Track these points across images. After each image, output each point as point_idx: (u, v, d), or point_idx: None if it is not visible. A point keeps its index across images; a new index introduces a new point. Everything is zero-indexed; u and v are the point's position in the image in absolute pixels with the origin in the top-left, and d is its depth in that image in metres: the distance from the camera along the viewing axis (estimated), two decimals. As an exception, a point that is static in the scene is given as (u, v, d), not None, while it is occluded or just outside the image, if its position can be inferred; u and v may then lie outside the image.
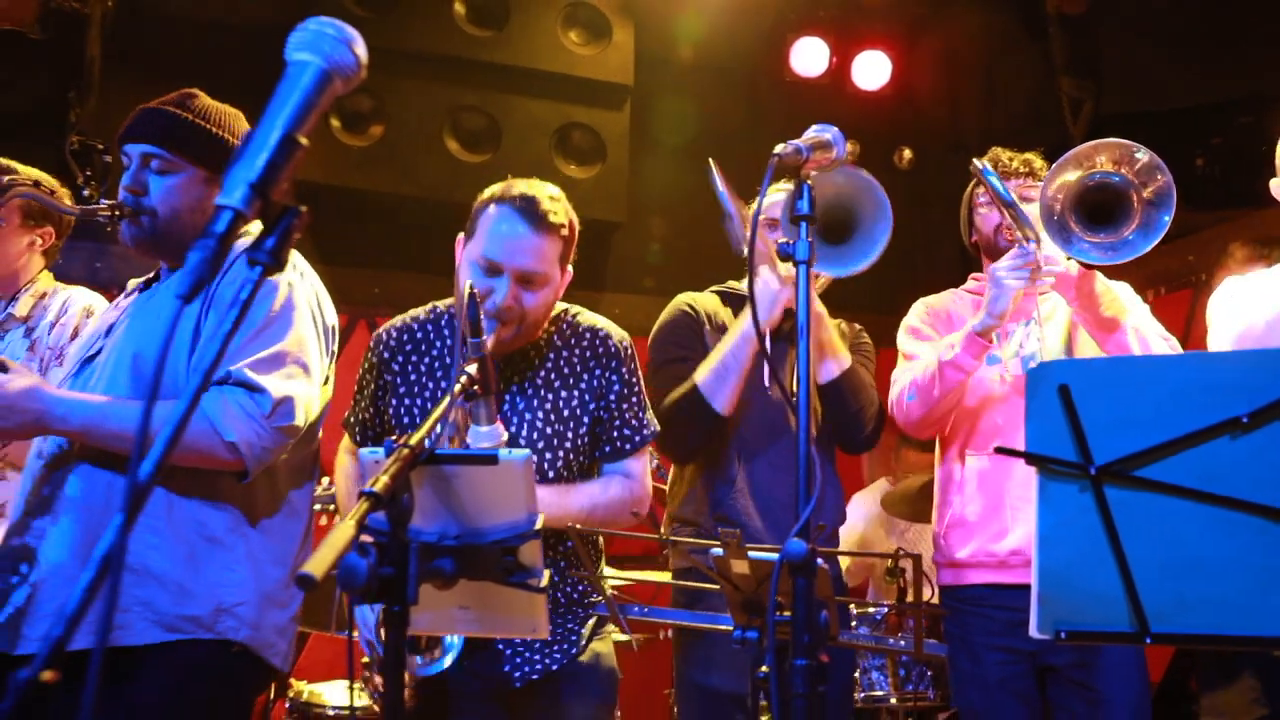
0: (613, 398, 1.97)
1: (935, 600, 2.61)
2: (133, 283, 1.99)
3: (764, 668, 1.30)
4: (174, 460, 1.63)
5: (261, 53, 4.70)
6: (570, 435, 1.94)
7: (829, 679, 1.94)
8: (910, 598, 2.74)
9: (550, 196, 1.89)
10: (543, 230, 1.84)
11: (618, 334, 2.04)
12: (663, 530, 2.49)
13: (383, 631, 1.70)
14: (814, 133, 1.51)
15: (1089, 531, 1.35)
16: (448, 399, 1.50)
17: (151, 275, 1.96)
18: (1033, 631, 1.44)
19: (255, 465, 1.71)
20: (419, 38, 3.89)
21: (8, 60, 3.85)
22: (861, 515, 3.83)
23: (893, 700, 2.97)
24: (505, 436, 1.69)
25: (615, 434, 1.99)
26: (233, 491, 1.76)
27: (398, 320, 2.04)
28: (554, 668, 1.94)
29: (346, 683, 3.28)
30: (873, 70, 4.84)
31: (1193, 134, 4.28)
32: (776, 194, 2.38)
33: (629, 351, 2.02)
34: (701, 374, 2.26)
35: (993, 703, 2.33)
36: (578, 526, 1.68)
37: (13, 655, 1.64)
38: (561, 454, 1.94)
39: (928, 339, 2.47)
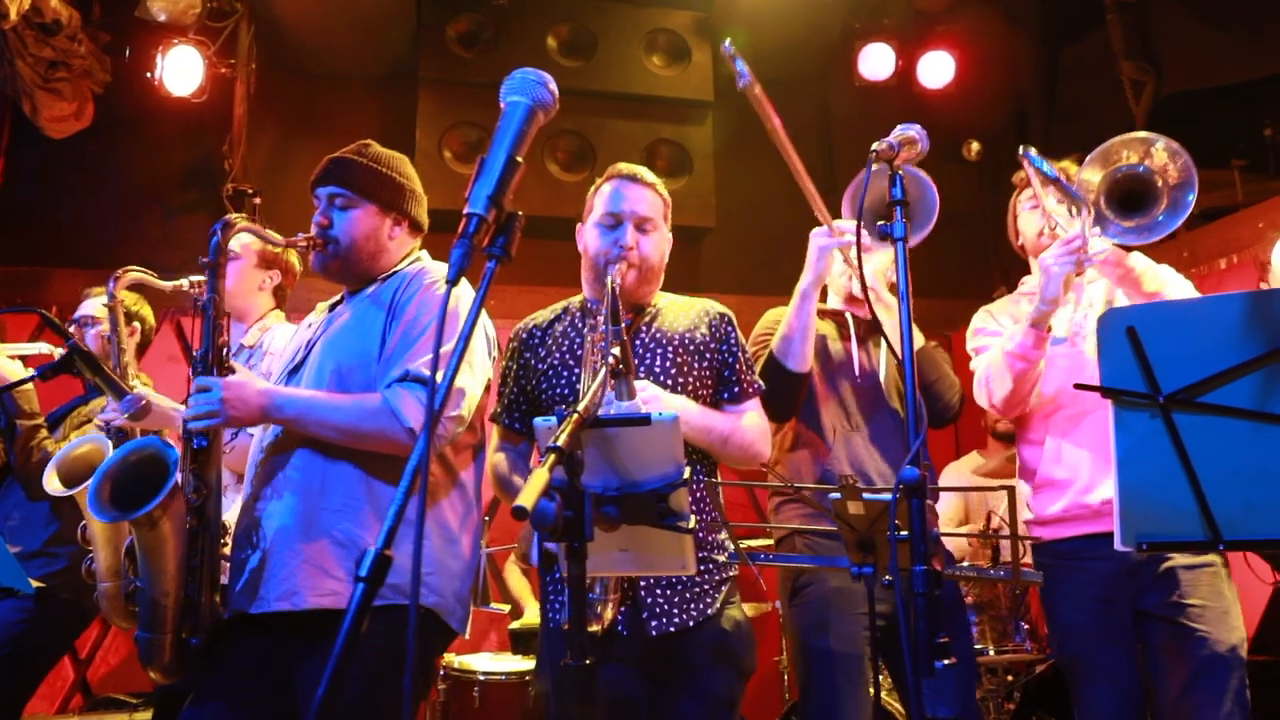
0: (733, 343, 2.25)
1: (1028, 560, 2.75)
2: (321, 305, 2.30)
3: (888, 576, 1.54)
4: (364, 445, 1.96)
5: (384, 101, 5.19)
6: (695, 368, 2.19)
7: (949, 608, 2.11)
8: (1005, 555, 2.91)
9: (646, 170, 2.29)
10: (648, 185, 2.25)
11: (717, 304, 2.33)
12: (769, 510, 2.74)
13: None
14: (901, 130, 1.77)
15: (1161, 453, 1.57)
16: (602, 374, 1.77)
17: (337, 300, 2.27)
18: (1117, 545, 1.64)
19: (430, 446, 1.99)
20: (517, 72, 4.27)
21: (172, 123, 4.40)
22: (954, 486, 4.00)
23: (991, 653, 3.12)
24: (644, 410, 1.96)
25: (740, 376, 2.24)
26: (426, 488, 2.03)
27: (533, 315, 2.32)
28: (689, 624, 2.06)
29: (491, 654, 3.62)
30: (937, 70, 5.07)
31: (1259, 106, 4.38)
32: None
33: (731, 315, 2.32)
34: (774, 342, 2.57)
35: (1093, 650, 2.40)
36: (717, 481, 1.94)
37: (250, 614, 1.94)
38: (689, 384, 2.17)
39: (993, 334, 2.64)
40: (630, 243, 2.16)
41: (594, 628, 1.97)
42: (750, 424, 2.21)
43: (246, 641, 1.97)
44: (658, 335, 2.21)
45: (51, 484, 2.23)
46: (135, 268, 2.52)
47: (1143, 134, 2.28)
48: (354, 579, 1.04)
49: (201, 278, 2.54)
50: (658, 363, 2.16)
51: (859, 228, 1.70)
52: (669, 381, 2.15)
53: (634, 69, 4.66)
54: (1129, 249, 2.41)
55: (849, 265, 2.63)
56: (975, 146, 5.04)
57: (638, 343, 2.19)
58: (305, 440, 2.01)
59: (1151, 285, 2.38)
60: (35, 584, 2.54)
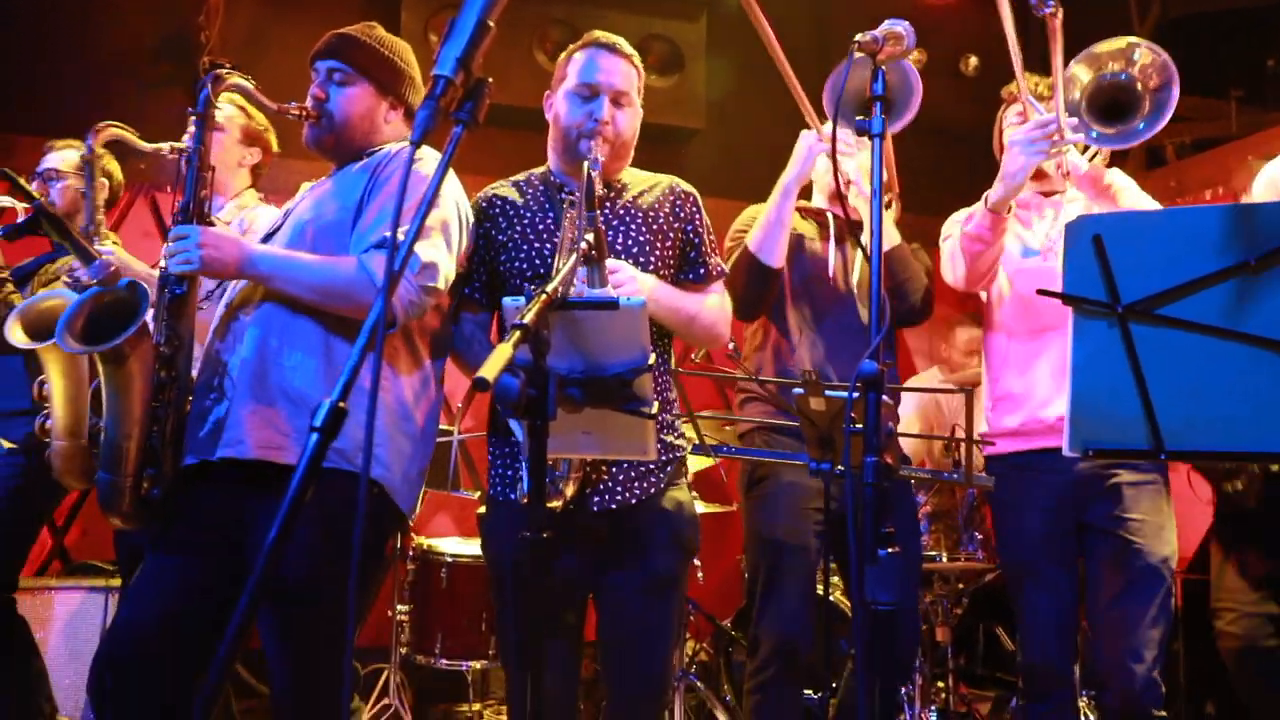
0: (697, 223, 2.23)
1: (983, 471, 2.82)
2: (305, 185, 2.29)
3: (839, 466, 1.58)
4: (337, 308, 1.96)
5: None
6: (659, 245, 2.17)
7: (896, 503, 2.19)
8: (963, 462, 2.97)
9: (623, 41, 2.22)
10: (626, 57, 2.18)
11: (681, 182, 2.28)
12: (735, 407, 2.78)
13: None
14: (888, 25, 1.74)
15: (1116, 362, 1.60)
16: (573, 259, 1.76)
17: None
18: (1065, 449, 1.69)
19: (402, 315, 1.98)
20: (508, -43, 4.14)
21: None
22: (914, 400, 4.07)
23: (944, 560, 3.22)
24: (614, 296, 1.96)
25: (705, 258, 2.23)
26: (382, 348, 2.04)
27: (494, 185, 2.26)
28: (632, 501, 2.06)
29: (460, 538, 3.71)
30: (941, -21, 4.95)
31: (1262, 35, 4.32)
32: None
33: (696, 195, 2.28)
34: (751, 236, 2.60)
35: (1036, 558, 2.50)
36: (679, 369, 1.96)
37: (211, 461, 1.96)
38: (652, 262, 2.15)
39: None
40: (605, 117, 2.10)
41: (554, 503, 1.99)
42: (714, 305, 2.22)
43: (201, 492, 2.01)
44: (622, 213, 2.18)
45: (15, 335, 2.20)
46: (114, 123, 2.43)
47: (1124, 40, 2.26)
48: (309, 429, 1.06)
49: (182, 145, 2.49)
50: (620, 239, 2.14)
51: (834, 119, 1.68)
52: (635, 259, 2.13)
53: (629, -42, 4.53)
54: (1110, 163, 2.42)
55: (830, 161, 2.62)
56: (973, 61, 4.96)
57: (605, 216, 2.15)
58: (268, 295, 2.02)
59: (1126, 202, 2.40)
60: (7, 445, 2.55)
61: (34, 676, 3.05)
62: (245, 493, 1.95)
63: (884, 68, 1.67)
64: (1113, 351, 1.59)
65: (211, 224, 2.01)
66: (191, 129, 2.06)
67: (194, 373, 2.09)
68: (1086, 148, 2.39)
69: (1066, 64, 2.26)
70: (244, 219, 2.73)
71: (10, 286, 2.90)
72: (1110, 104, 2.24)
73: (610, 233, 2.13)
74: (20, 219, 2.40)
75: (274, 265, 1.98)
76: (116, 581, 3.57)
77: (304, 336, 1.99)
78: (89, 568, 3.87)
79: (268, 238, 2.16)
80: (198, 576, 1.97)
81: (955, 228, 2.65)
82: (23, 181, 2.31)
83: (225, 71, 2.02)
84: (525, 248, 2.15)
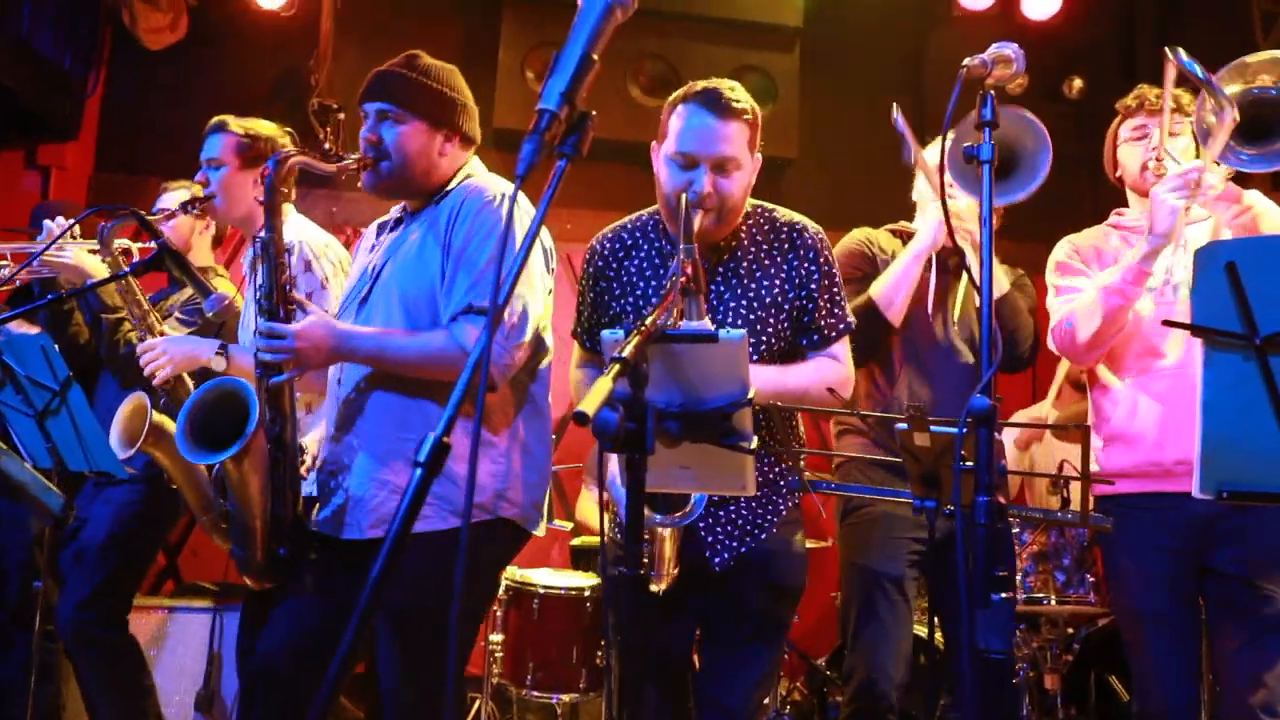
0: (814, 287, 2.09)
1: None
2: (374, 225, 2.27)
3: (949, 505, 1.52)
4: (438, 378, 2.01)
5: (468, 19, 5.17)
6: (771, 322, 2.06)
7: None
8: (1075, 503, 2.84)
9: (729, 87, 2.00)
10: (729, 117, 1.96)
11: (813, 227, 2.13)
12: (832, 438, 2.72)
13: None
14: (996, 49, 1.69)
15: (1252, 398, 1.48)
16: (671, 292, 1.75)
17: (398, 216, 2.22)
18: (1195, 492, 1.57)
19: (500, 377, 2.02)
20: (602, -9, 4.20)
21: (261, 37, 4.48)
22: (1012, 436, 3.91)
23: (1053, 602, 3.06)
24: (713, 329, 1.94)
25: (821, 321, 2.09)
26: (494, 402, 2.06)
27: (608, 230, 2.19)
28: (742, 550, 2.06)
29: (551, 569, 3.71)
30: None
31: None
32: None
33: (825, 242, 2.12)
34: (877, 288, 2.57)
35: (1154, 600, 2.35)
36: (778, 404, 1.92)
37: (340, 539, 2.05)
38: (764, 340, 2.06)
39: (1078, 273, 2.52)
40: (705, 189, 1.96)
41: (657, 588, 1.99)
42: (828, 370, 2.10)
43: (335, 557, 2.11)
44: (734, 285, 2.08)
45: (119, 451, 2.34)
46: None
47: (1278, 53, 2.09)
48: (413, 464, 1.06)
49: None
50: (730, 319, 2.07)
51: (944, 153, 1.63)
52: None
53: (722, -9, 4.54)
54: (1245, 184, 2.26)
55: (937, 202, 2.56)
56: (1078, 84, 4.80)
57: (715, 286, 2.08)
58: (385, 375, 2.07)
59: (1267, 227, 2.22)
60: (130, 471, 2.66)
61: (142, 691, 3.15)
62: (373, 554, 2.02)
63: (992, 93, 1.61)
64: (1249, 386, 1.48)
65: (294, 306, 2.04)
66: (261, 218, 2.05)
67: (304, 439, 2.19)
68: (1217, 163, 2.24)
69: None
70: (300, 255, 2.59)
71: (128, 325, 3.04)
72: (1256, 122, 2.06)
73: (720, 307, 2.07)
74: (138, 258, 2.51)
75: (368, 351, 2.02)
76: (220, 602, 3.69)
77: (424, 413, 2.04)
78: (197, 588, 4.01)
79: (363, 303, 2.15)
80: (332, 611, 2.06)
81: (1065, 282, 2.52)
82: (150, 220, 2.41)
83: (285, 152, 2.04)
84: (644, 309, 2.12)
